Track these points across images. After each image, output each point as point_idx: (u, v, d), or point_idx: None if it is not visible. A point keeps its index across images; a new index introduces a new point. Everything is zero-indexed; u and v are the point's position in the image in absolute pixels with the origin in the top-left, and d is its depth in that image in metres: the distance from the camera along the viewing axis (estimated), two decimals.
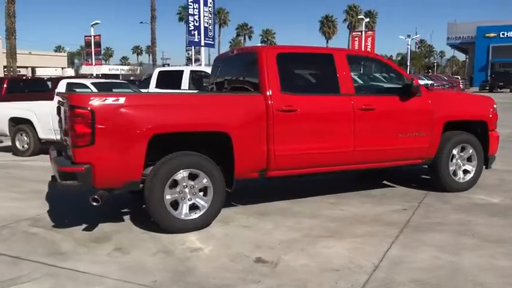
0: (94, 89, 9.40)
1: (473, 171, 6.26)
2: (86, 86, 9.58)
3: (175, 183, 4.64)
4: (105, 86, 9.97)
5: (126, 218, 5.31)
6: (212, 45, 19.47)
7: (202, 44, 18.07)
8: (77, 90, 10.11)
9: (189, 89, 11.24)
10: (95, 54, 36.52)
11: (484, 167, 6.38)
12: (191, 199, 4.73)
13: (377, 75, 6.37)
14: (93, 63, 36.78)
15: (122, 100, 4.37)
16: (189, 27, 17.61)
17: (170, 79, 11.80)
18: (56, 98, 9.53)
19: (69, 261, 4.03)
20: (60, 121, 5.57)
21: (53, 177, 5.11)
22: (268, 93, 4.97)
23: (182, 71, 11.75)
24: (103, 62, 68.01)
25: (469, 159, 6.25)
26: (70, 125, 4.25)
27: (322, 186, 6.53)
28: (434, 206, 5.57)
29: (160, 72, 12.31)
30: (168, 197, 4.60)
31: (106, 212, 5.53)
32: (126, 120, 4.38)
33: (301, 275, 3.65)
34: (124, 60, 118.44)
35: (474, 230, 4.67)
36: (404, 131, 5.70)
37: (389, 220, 5.02)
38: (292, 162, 5.16)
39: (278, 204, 5.70)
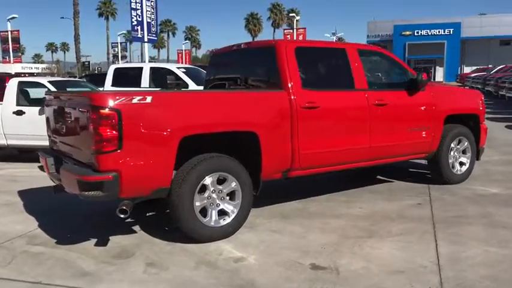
0: (53, 88, 8.55)
1: (468, 163, 6.43)
2: (42, 85, 8.70)
3: (203, 189, 4.27)
4: (63, 85, 9.11)
5: (136, 228, 4.84)
6: (155, 41, 18.67)
7: (146, 39, 17.25)
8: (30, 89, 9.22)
9: (149, 87, 10.65)
10: (13, 51, 33.80)
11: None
12: (219, 205, 4.38)
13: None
14: (12, 61, 34.02)
15: (149, 99, 3.92)
16: (132, 22, 16.75)
17: (128, 77, 11.10)
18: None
19: (103, 283, 3.55)
20: (48, 122, 4.99)
21: (57, 186, 4.53)
22: (290, 90, 4.73)
23: (141, 68, 11.08)
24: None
25: (464, 152, 6.41)
26: (93, 128, 3.73)
27: (323, 184, 6.41)
28: (445, 199, 5.62)
29: (116, 69, 11.52)
30: (197, 203, 4.22)
31: (108, 223, 5.05)
32: (154, 121, 3.94)
33: (371, 280, 3.46)
34: (37, 58, 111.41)
35: (501, 222, 4.73)
36: (413, 126, 5.70)
37: (414, 216, 4.97)
38: (314, 160, 4.96)
39: (291, 205, 5.48)
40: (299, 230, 4.63)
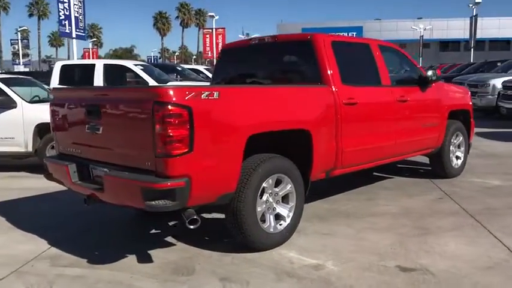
0: (3, 86, 7.49)
1: (463, 157, 6.67)
2: None
3: (261, 192, 3.91)
4: (13, 82, 8.02)
5: (170, 240, 4.34)
6: (83, 38, 17.26)
7: (74, 35, 15.86)
8: None
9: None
10: None
11: None
12: (275, 209, 4.06)
13: None
14: None
15: (216, 95, 3.50)
16: (59, 16, 15.33)
17: (78, 74, 10.12)
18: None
19: None
20: (60, 124, 4.31)
21: (89, 198, 3.89)
22: (333, 85, 4.53)
23: (94, 65, 10.14)
24: None
25: (459, 146, 6.63)
26: (160, 129, 3.22)
27: (329, 183, 6.23)
28: (458, 192, 5.72)
29: (63, 66, 10.43)
30: (259, 208, 3.86)
31: (127, 235, 4.60)
32: (223, 119, 3.53)
33: (472, 279, 3.36)
34: None
35: None
36: (426, 121, 5.79)
37: (447, 211, 5.01)
38: (354, 158, 4.80)
39: (316, 205, 5.25)
40: (350, 231, 4.43)
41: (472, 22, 35.03)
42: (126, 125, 3.55)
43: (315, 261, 3.74)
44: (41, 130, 7.33)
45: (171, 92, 3.27)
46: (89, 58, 49.62)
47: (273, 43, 5.06)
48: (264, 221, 3.95)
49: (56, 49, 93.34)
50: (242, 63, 5.39)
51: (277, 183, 4.04)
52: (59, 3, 15.25)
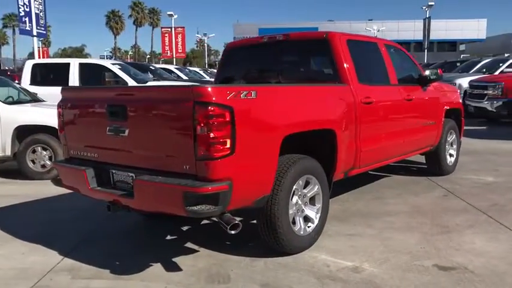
0: None
1: (455, 155, 6.81)
2: None
3: (292, 194, 3.81)
4: None
5: (190, 245, 4.16)
6: (44, 35, 16.43)
7: (35, 33, 15.08)
8: None
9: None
10: None
11: None
12: (303, 211, 3.96)
13: None
14: None
15: (253, 94, 3.36)
16: (19, 13, 14.53)
17: (51, 74, 9.60)
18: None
19: None
20: (74, 127, 4.03)
21: (114, 205, 3.64)
22: (351, 84, 4.49)
23: (68, 64, 9.64)
24: None
25: (451, 144, 6.76)
26: (202, 130, 3.05)
27: None
28: (459, 189, 5.82)
29: (35, 65, 9.86)
30: (290, 211, 3.76)
31: (138, 241, 4.36)
32: (261, 119, 3.40)
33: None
34: None
35: None
36: (428, 120, 5.86)
37: (457, 208, 5.07)
38: (369, 158, 4.78)
39: None
40: (372, 231, 4.40)
41: (425, 24, 36.29)
42: (159, 126, 3.34)
43: (351, 263, 3.67)
44: (20, 133, 6.93)
45: (213, 92, 3.11)
46: (40, 57, 47.56)
47: (285, 41, 4.95)
48: (294, 223, 3.84)
49: (0, 48, 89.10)
50: (251, 61, 5.26)
51: (305, 184, 3.95)
52: (19, 0, 14.48)
